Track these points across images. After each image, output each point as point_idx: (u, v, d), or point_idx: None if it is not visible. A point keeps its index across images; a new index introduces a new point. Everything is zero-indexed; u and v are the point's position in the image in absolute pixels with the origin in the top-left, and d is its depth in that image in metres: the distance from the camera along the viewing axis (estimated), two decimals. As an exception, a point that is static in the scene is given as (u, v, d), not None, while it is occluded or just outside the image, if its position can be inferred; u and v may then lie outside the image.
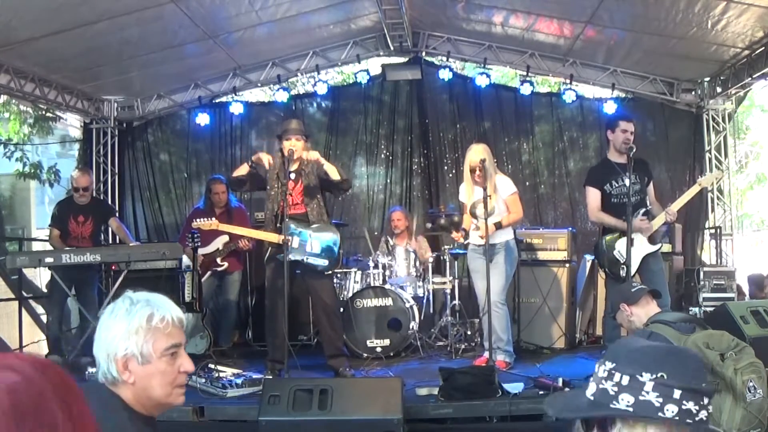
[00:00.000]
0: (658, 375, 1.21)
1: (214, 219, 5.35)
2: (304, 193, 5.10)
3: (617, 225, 4.87)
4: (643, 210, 4.92)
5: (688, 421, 1.20)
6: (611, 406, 1.23)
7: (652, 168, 5.34)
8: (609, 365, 1.26)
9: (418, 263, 6.49)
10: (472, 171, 5.18)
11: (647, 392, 1.21)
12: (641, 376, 1.22)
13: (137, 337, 1.67)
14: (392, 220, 6.96)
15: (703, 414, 1.22)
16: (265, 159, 4.98)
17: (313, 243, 5.05)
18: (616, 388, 1.23)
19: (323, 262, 5.06)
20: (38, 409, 0.83)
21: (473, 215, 5.22)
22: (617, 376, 1.24)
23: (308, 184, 5.09)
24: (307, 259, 5.02)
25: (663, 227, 5.02)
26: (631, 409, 1.21)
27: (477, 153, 5.20)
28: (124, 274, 5.94)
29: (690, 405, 1.20)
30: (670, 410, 1.20)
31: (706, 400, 1.22)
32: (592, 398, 1.27)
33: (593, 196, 5.03)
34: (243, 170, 5.11)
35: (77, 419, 0.89)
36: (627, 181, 4.78)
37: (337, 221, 5.62)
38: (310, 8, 6.67)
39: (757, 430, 2.87)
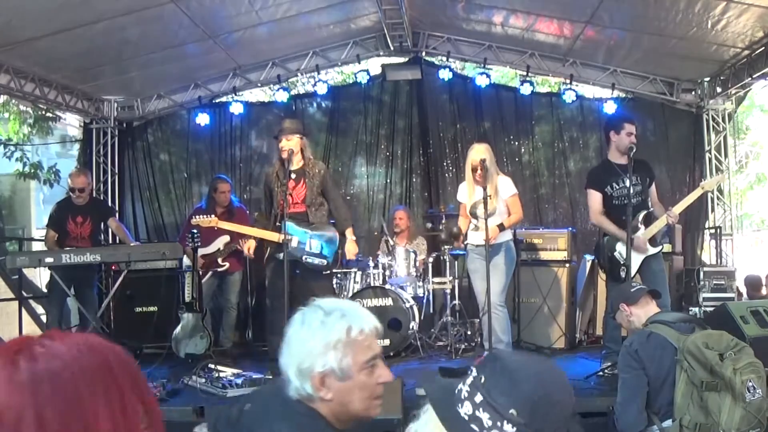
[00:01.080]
0: (479, 375, 1.20)
1: (213, 216, 5.36)
2: (306, 193, 5.11)
3: (617, 233, 4.85)
4: (644, 212, 4.91)
5: (474, 427, 1.15)
6: (456, 407, 1.21)
7: (653, 168, 5.34)
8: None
9: (418, 263, 6.50)
10: (473, 170, 5.17)
11: (463, 384, 1.21)
12: (472, 371, 1.22)
13: (336, 352, 1.56)
14: (394, 218, 6.99)
15: None
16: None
17: (311, 242, 5.05)
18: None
19: (322, 262, 5.07)
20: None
21: (473, 215, 5.21)
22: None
23: (311, 185, 5.10)
24: (305, 258, 5.03)
25: (663, 228, 5.02)
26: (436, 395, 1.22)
27: (478, 152, 5.19)
28: (124, 274, 5.95)
29: (483, 416, 1.15)
30: (466, 408, 1.17)
31: (508, 427, 1.14)
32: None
33: (594, 198, 5.02)
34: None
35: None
36: (628, 183, 4.78)
37: (335, 221, 5.64)
38: (310, 8, 6.67)
39: (757, 430, 2.87)
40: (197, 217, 5.34)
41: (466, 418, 1.17)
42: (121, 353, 0.93)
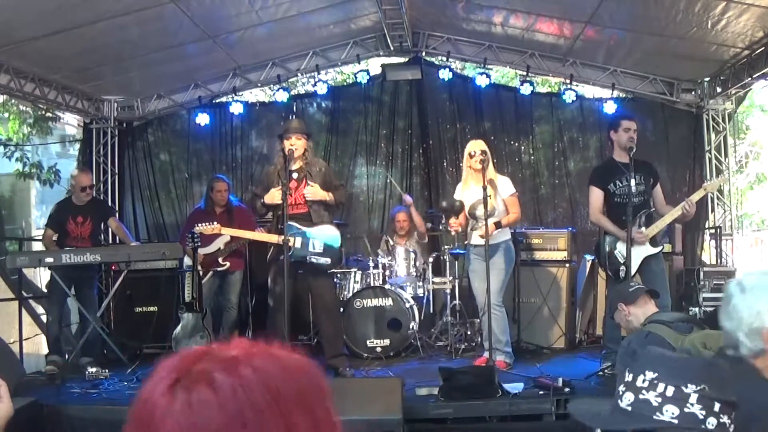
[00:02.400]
0: (702, 387, 1.23)
1: (216, 223, 5.35)
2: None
3: (615, 232, 4.85)
4: (646, 212, 4.90)
5: (656, 401, 1.24)
6: (654, 417, 1.23)
7: (657, 170, 5.32)
8: (650, 375, 1.26)
9: (418, 263, 6.50)
10: (471, 156, 5.18)
11: (692, 404, 1.22)
12: (686, 387, 1.23)
13: None
14: (397, 220, 6.97)
15: (732, 428, 1.25)
16: (272, 197, 4.97)
17: (315, 242, 5.05)
18: (659, 399, 1.23)
19: (326, 261, 5.08)
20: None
21: (472, 216, 5.22)
22: (661, 387, 1.24)
23: (314, 185, 5.09)
24: (310, 258, 5.04)
25: (664, 228, 5.01)
26: (675, 421, 1.22)
27: (478, 143, 5.30)
28: (124, 274, 5.96)
29: (725, 419, 1.24)
30: (711, 423, 1.22)
31: (734, 415, 1.26)
32: (629, 408, 1.27)
33: (596, 196, 5.02)
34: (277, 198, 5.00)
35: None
36: (632, 181, 4.77)
37: (337, 221, 5.65)
38: (310, 8, 6.67)
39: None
40: (200, 225, 5.32)
41: (656, 404, 1.24)
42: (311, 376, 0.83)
